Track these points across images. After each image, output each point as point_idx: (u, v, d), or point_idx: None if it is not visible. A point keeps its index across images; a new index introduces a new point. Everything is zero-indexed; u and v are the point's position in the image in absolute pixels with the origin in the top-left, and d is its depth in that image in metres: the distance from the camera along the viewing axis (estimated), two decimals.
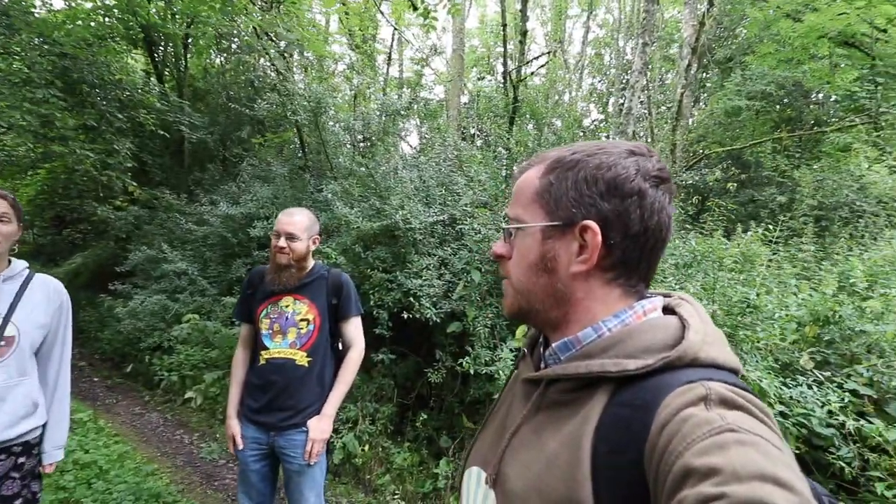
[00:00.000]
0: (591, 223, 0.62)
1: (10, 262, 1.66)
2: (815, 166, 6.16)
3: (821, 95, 8.06)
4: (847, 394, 2.35)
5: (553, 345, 0.69)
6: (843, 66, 6.60)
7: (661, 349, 0.57)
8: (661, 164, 0.65)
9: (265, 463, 1.95)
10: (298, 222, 1.91)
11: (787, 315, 2.88)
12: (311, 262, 2.02)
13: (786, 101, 8.12)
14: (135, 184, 7.09)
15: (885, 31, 5.28)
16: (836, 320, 2.74)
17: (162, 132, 7.03)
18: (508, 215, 0.73)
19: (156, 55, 8.56)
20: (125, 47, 7.67)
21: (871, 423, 2.20)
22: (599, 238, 0.62)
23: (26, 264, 1.71)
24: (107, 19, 6.83)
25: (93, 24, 6.52)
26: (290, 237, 1.88)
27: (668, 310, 0.67)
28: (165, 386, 5.06)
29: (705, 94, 10.20)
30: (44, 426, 1.69)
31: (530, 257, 0.68)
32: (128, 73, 6.83)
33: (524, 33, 5.20)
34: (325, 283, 1.99)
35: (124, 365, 5.96)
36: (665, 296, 0.70)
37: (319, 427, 1.89)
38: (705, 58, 8.55)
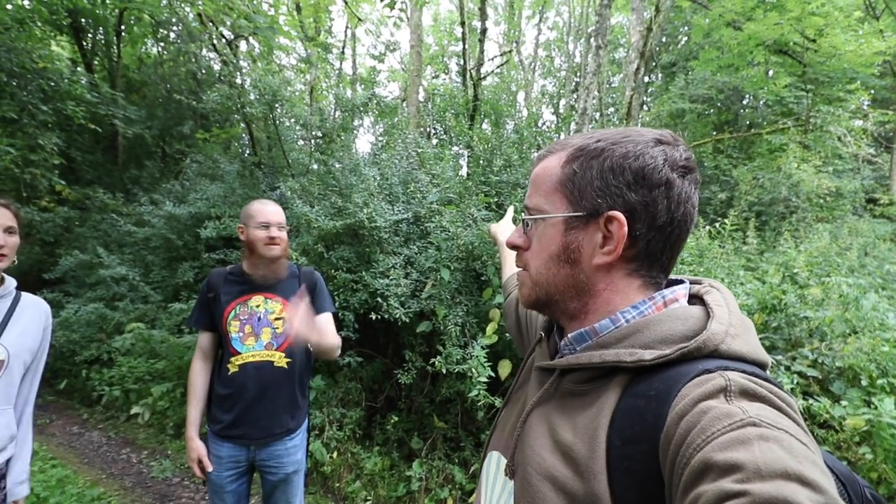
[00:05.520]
0: (618, 214, 0.61)
1: (2, 278, 1.49)
2: (749, 166, 6.64)
3: (753, 99, 8.70)
4: (795, 375, 2.52)
5: (569, 335, 0.67)
6: (776, 72, 7.16)
7: (680, 339, 0.56)
8: (689, 152, 0.64)
9: (243, 481, 1.82)
10: (282, 211, 1.86)
11: (739, 304, 3.07)
12: None
13: (720, 105, 8.71)
14: (63, 182, 6.49)
15: (814, 40, 5.78)
16: (781, 307, 2.93)
17: (93, 126, 6.48)
18: (527, 205, 0.71)
19: (84, 42, 7.89)
20: (49, 33, 7.01)
21: (818, 401, 2.37)
22: (626, 229, 0.60)
23: (16, 282, 1.54)
24: (27, 1, 6.19)
25: (10, 6, 5.89)
26: (281, 226, 1.83)
27: (696, 297, 0.66)
28: (106, 402, 4.67)
29: (650, 98, 10.74)
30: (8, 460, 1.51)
31: (552, 248, 0.66)
32: (52, 62, 6.21)
33: (484, 31, 5.22)
34: (298, 280, 1.89)
35: (56, 381, 5.44)
36: (695, 282, 0.69)
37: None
38: (651, 62, 8.99)
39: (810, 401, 2.38)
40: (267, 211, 1.81)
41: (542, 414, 0.65)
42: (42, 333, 1.56)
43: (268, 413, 1.76)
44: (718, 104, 8.49)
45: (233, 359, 1.77)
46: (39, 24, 6.49)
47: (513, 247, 0.73)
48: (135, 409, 4.41)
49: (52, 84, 6.26)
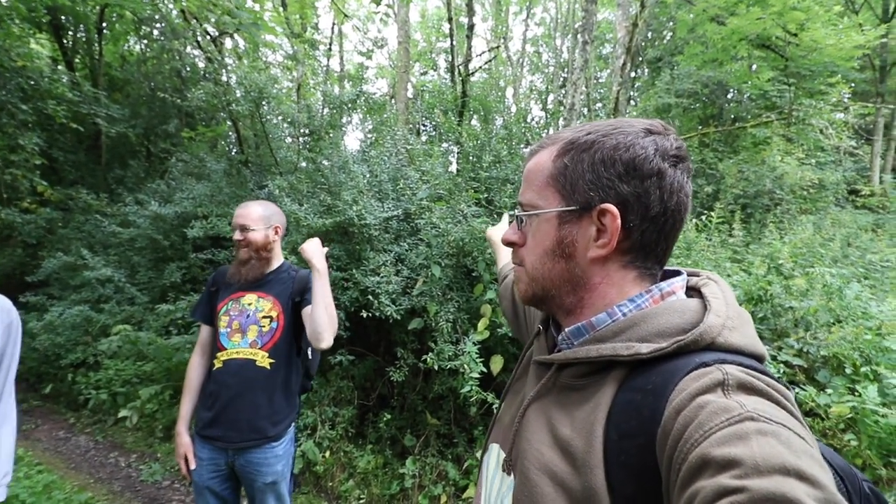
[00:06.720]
0: (610, 206, 0.60)
1: None
2: (734, 159, 6.73)
3: (737, 93, 8.81)
4: (782, 364, 2.57)
5: (566, 329, 0.67)
6: (759, 66, 7.27)
7: (676, 333, 0.56)
8: (680, 141, 0.64)
9: (227, 485, 1.77)
10: (251, 212, 1.82)
11: None
12: (277, 257, 1.90)
13: (705, 99, 8.80)
14: (45, 183, 6.35)
15: (795, 35, 5.87)
16: (767, 298, 2.98)
17: (75, 125, 6.34)
18: (520, 201, 0.71)
19: (64, 40, 7.71)
20: (28, 30, 6.84)
21: (804, 390, 2.42)
22: (619, 222, 0.60)
23: None
24: None
25: None
26: (244, 228, 1.80)
27: (693, 289, 0.66)
28: (93, 405, 4.59)
29: (637, 93, 10.82)
30: None
31: (546, 244, 0.66)
32: (32, 60, 6.07)
33: (471, 27, 5.21)
34: (292, 281, 1.87)
35: (42, 385, 5.34)
36: (693, 274, 0.69)
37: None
38: (637, 57, 9.05)
39: (796, 389, 2.42)
40: (236, 213, 1.82)
41: (540, 408, 0.65)
42: (2, 329, 1.47)
43: (244, 416, 1.71)
44: (703, 98, 8.58)
45: (219, 354, 1.76)
46: (17, 21, 6.31)
47: (508, 243, 0.73)
48: (122, 413, 4.35)
49: (32, 83, 6.12)
